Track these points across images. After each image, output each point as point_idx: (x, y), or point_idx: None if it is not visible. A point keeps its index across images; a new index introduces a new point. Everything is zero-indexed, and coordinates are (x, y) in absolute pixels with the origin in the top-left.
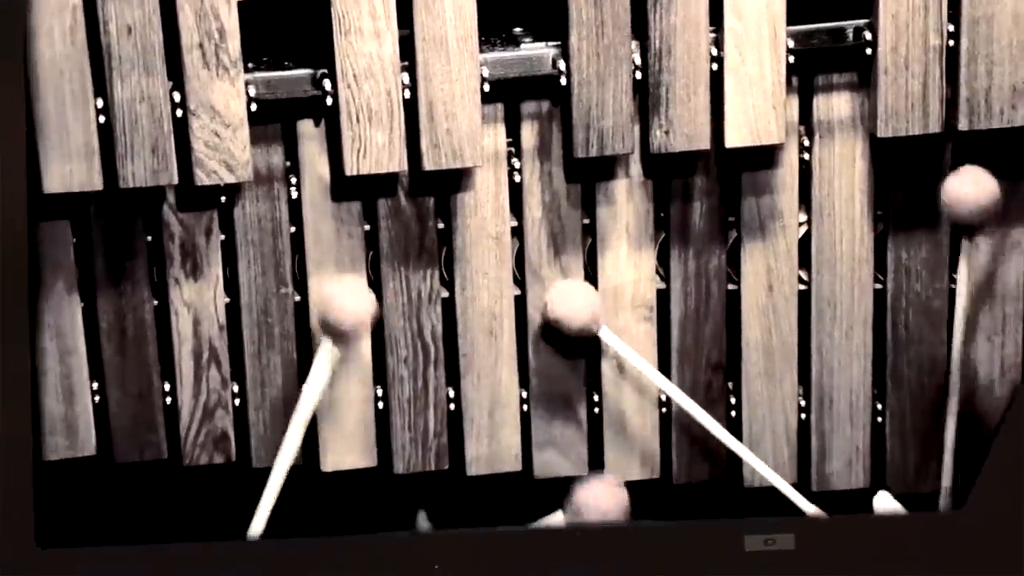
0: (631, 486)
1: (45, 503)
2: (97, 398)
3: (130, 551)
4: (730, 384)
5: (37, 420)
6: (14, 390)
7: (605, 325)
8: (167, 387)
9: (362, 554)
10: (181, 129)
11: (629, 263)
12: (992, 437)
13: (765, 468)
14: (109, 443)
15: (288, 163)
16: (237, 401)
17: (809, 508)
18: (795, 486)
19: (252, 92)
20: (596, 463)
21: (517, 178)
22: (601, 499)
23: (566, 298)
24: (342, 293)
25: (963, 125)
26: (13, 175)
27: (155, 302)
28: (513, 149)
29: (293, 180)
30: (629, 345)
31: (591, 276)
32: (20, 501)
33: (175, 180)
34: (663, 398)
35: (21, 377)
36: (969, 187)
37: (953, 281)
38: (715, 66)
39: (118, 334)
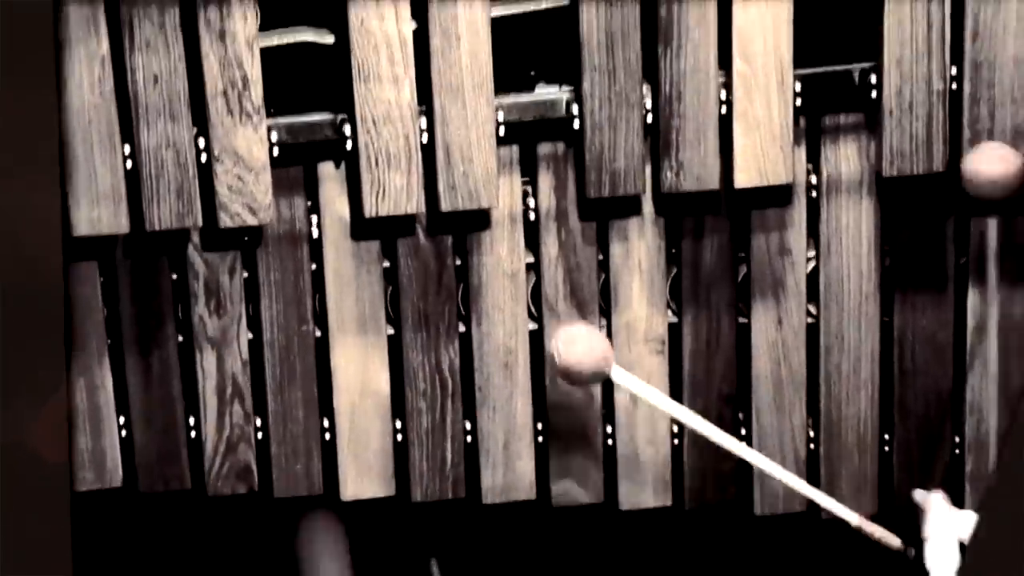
0: (643, 513)
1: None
2: (124, 432)
3: None
4: (741, 415)
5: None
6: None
7: (615, 364)
8: (191, 421)
9: None
10: (205, 173)
11: (642, 298)
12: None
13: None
14: (135, 475)
15: (309, 203)
16: (260, 435)
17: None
18: (803, 514)
19: (274, 137)
20: (610, 492)
21: (532, 216)
22: None
23: (572, 346)
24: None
25: None
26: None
27: (180, 339)
28: (529, 188)
29: (314, 220)
30: (642, 378)
31: (606, 311)
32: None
33: (199, 223)
34: (675, 429)
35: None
36: (991, 163)
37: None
38: (724, 109)
39: (144, 370)
